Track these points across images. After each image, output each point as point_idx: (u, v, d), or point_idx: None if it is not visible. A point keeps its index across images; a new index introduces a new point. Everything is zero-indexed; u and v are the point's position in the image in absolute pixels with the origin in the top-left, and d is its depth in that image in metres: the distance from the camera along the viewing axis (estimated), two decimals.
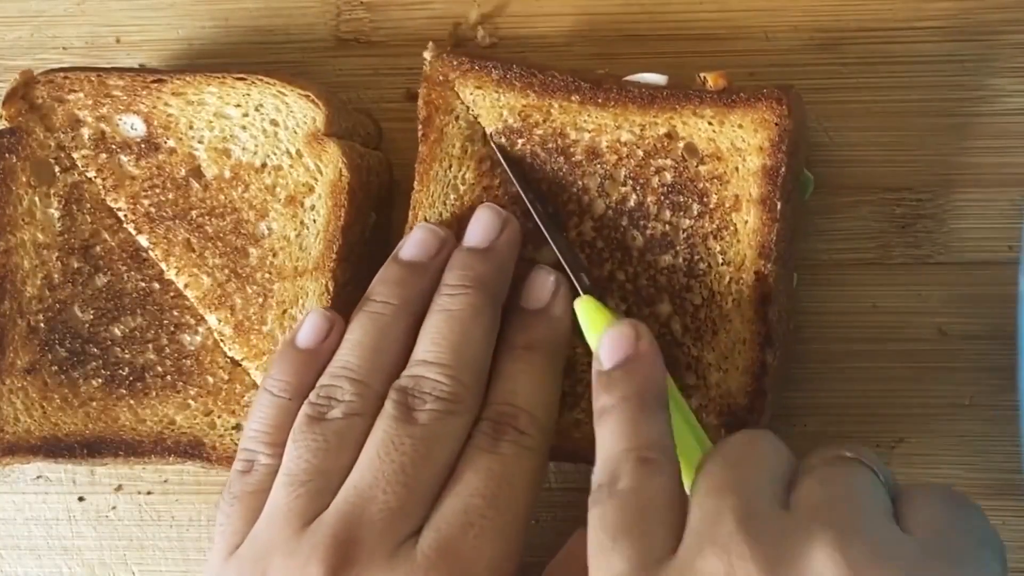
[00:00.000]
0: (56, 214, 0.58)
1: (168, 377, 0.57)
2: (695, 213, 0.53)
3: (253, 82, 0.56)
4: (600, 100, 0.54)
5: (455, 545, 0.48)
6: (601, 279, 0.54)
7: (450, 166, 0.55)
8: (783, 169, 0.52)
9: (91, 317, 0.57)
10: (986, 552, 0.43)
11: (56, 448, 0.57)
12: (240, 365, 0.56)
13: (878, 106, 0.57)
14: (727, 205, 0.53)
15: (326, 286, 0.55)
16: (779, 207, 0.52)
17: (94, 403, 0.57)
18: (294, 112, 0.56)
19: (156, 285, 0.57)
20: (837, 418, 0.57)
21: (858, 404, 0.57)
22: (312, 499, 0.49)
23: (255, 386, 0.56)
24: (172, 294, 0.57)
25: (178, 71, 0.58)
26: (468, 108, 0.55)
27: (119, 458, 0.57)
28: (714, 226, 0.53)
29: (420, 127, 0.55)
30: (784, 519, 0.43)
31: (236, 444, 0.56)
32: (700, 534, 0.43)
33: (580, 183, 0.54)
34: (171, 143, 0.57)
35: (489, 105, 0.55)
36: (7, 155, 0.58)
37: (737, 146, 0.53)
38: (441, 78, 0.55)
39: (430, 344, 0.51)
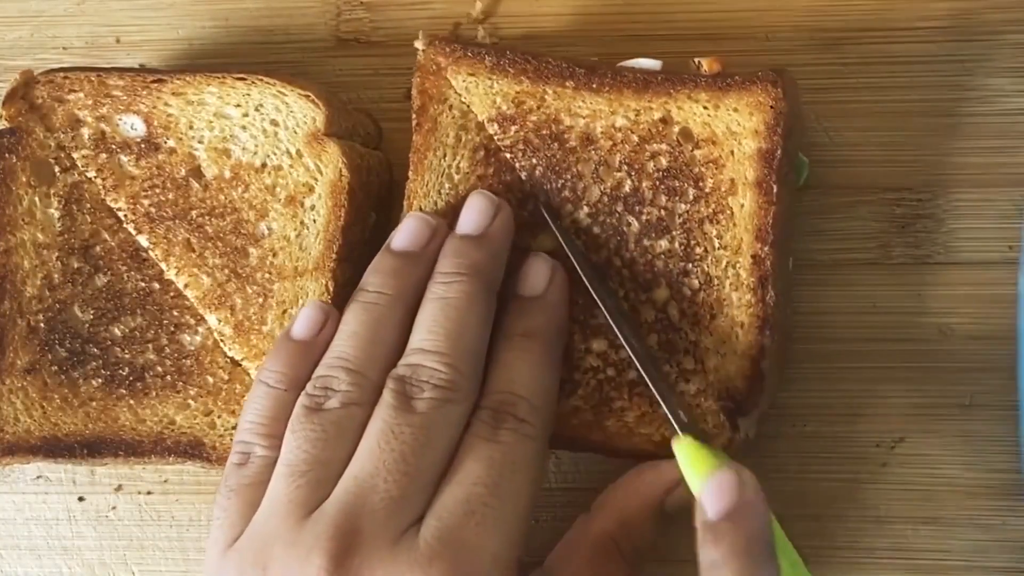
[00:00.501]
0: (56, 214, 0.58)
1: (168, 377, 0.57)
2: (691, 198, 0.53)
3: (253, 82, 0.56)
4: (595, 86, 0.54)
5: (458, 534, 0.48)
6: (598, 265, 0.54)
7: (444, 155, 0.55)
8: (779, 152, 0.52)
9: (91, 317, 0.57)
10: None
11: (56, 448, 0.57)
12: (240, 365, 0.56)
13: (878, 106, 0.57)
14: (723, 189, 0.53)
15: (326, 286, 0.55)
16: (775, 190, 0.52)
17: (94, 403, 0.57)
18: (294, 112, 0.56)
19: (156, 285, 0.57)
20: (837, 418, 0.57)
21: (858, 404, 0.57)
22: (312, 489, 0.49)
23: None
24: (172, 294, 0.57)
25: (178, 71, 0.58)
26: (461, 96, 0.55)
27: (119, 458, 0.57)
28: (710, 210, 0.53)
29: (414, 116, 0.55)
30: None
31: None
32: None
33: (575, 169, 0.54)
34: (171, 143, 0.57)
35: (482, 92, 0.55)
36: (7, 155, 0.58)
37: (732, 130, 0.53)
38: (434, 67, 0.55)
39: (426, 332, 0.51)
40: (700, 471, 0.49)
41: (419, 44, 0.55)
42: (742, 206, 0.53)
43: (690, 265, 0.53)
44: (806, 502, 0.57)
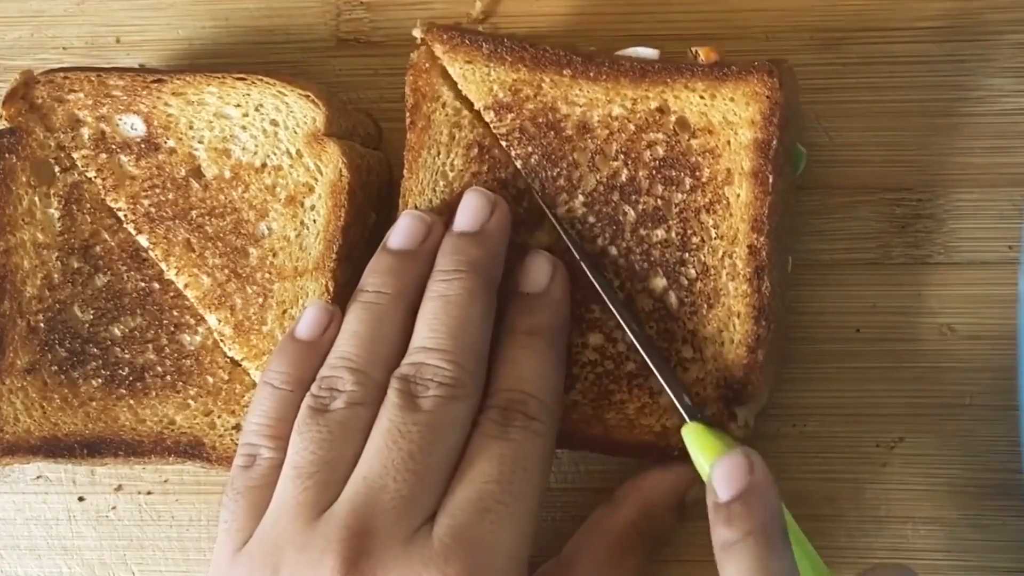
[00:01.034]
0: (56, 214, 0.58)
1: (168, 377, 0.57)
2: (687, 187, 0.53)
3: (253, 82, 0.56)
4: (592, 74, 0.54)
5: (471, 532, 0.48)
6: (593, 254, 0.54)
7: (438, 153, 0.55)
8: (775, 142, 0.52)
9: (91, 317, 0.57)
10: None
11: (56, 448, 0.57)
12: (240, 365, 0.56)
13: (878, 106, 0.57)
14: (719, 179, 0.53)
15: (326, 286, 0.55)
16: (771, 180, 0.52)
17: (94, 403, 0.57)
18: (294, 112, 0.56)
19: (156, 285, 0.57)
20: (837, 418, 0.57)
21: (858, 404, 0.57)
22: (321, 491, 0.49)
23: (255, 386, 0.56)
24: (172, 294, 0.57)
25: (178, 71, 0.58)
26: (457, 87, 0.55)
27: (119, 458, 0.57)
28: (707, 200, 0.53)
29: (408, 115, 0.55)
30: None
31: (236, 444, 0.55)
32: None
33: (571, 158, 0.54)
34: (171, 143, 0.57)
35: (479, 79, 0.55)
36: (7, 155, 0.58)
37: (729, 119, 0.53)
38: (427, 64, 0.55)
39: (428, 331, 0.51)
40: (710, 454, 0.49)
41: (417, 32, 0.55)
42: (738, 196, 0.53)
43: (687, 255, 0.53)
44: (806, 502, 0.57)
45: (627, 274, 0.54)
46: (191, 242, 0.57)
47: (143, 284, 0.57)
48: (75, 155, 0.58)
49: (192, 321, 0.57)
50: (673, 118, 0.54)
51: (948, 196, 0.57)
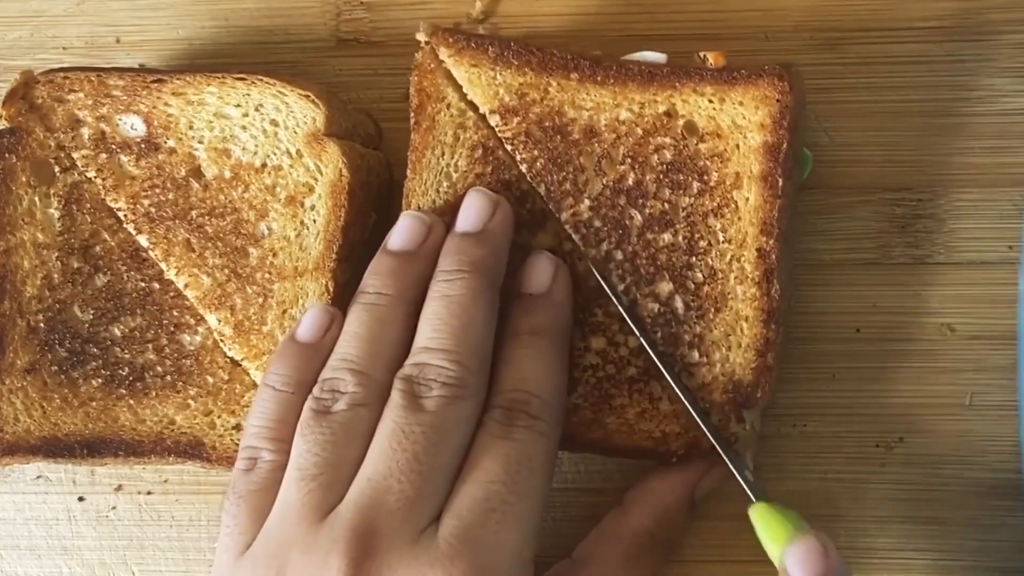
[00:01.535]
0: (56, 214, 0.58)
1: (168, 377, 0.57)
2: (695, 191, 0.53)
3: (253, 82, 0.56)
4: (599, 78, 0.54)
5: (478, 532, 0.48)
6: (599, 259, 0.54)
7: (442, 154, 0.55)
8: (784, 146, 0.52)
9: (91, 317, 0.57)
10: None
11: (56, 448, 0.57)
12: (240, 365, 0.56)
13: (878, 106, 0.57)
14: (728, 183, 0.53)
15: (326, 286, 0.55)
16: (780, 184, 0.52)
17: (94, 403, 0.57)
18: (294, 112, 0.56)
19: (156, 285, 0.57)
20: (837, 418, 0.57)
21: (858, 404, 0.57)
22: (325, 493, 0.49)
23: (255, 386, 0.56)
24: (172, 294, 0.57)
25: (178, 71, 0.58)
26: (462, 89, 0.55)
27: (119, 458, 0.57)
28: (715, 204, 0.53)
29: (412, 115, 0.55)
30: None
31: (236, 444, 0.55)
32: None
33: (577, 162, 0.54)
34: (171, 143, 0.57)
35: (485, 83, 0.55)
36: (7, 155, 0.58)
37: (738, 123, 0.53)
38: (432, 65, 0.55)
39: (431, 331, 0.51)
40: (780, 537, 0.49)
41: (421, 36, 0.55)
42: (747, 200, 0.53)
43: (694, 259, 0.53)
44: (806, 502, 0.57)
45: (632, 278, 0.54)
46: (191, 242, 0.57)
47: (143, 284, 0.57)
48: (75, 155, 0.58)
49: (192, 321, 0.57)
50: (681, 122, 0.54)
51: (948, 196, 0.57)
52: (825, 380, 0.57)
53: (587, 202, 0.54)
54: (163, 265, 0.57)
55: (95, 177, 0.58)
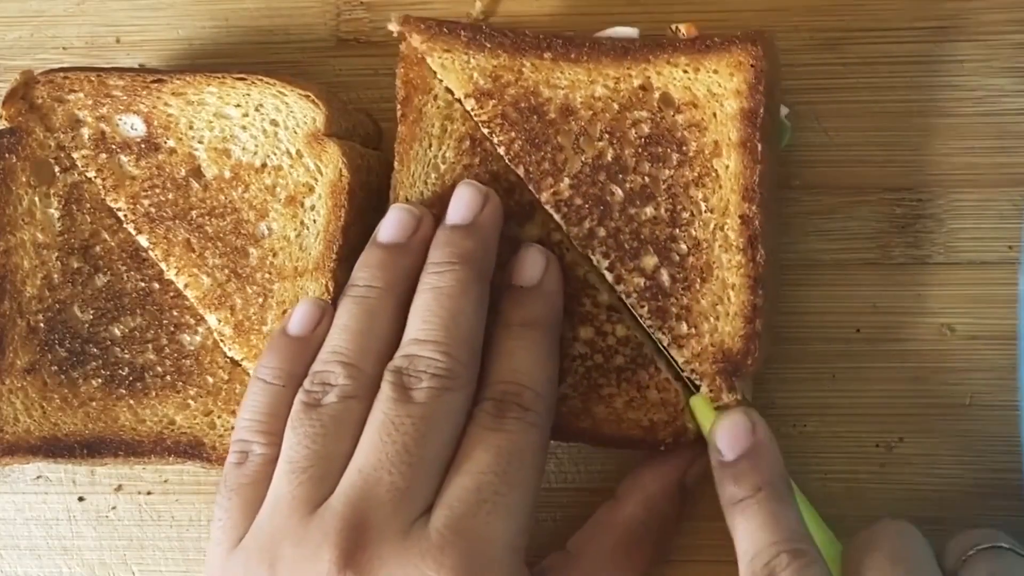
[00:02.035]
0: (56, 214, 0.58)
1: (168, 377, 0.57)
2: (675, 163, 0.53)
3: (253, 82, 0.56)
4: (573, 56, 0.54)
5: (469, 523, 0.48)
6: (581, 236, 0.54)
7: (430, 145, 0.55)
8: (761, 110, 0.52)
9: (91, 317, 0.57)
10: None
11: (56, 448, 0.57)
12: (240, 365, 0.56)
13: (878, 106, 0.57)
14: (707, 152, 0.53)
15: (326, 286, 0.55)
16: (760, 149, 0.52)
17: (94, 403, 0.57)
18: (294, 112, 0.56)
19: (156, 285, 0.57)
20: (837, 418, 0.57)
21: (858, 404, 0.57)
22: (316, 485, 0.49)
23: None
24: (172, 294, 0.57)
25: (178, 71, 0.58)
26: (440, 77, 0.55)
27: (119, 458, 0.57)
28: (695, 174, 0.53)
29: (399, 107, 0.55)
30: None
31: None
32: None
33: (555, 141, 0.54)
34: (171, 143, 0.57)
35: (459, 68, 0.55)
36: (7, 155, 0.58)
37: (713, 92, 0.53)
38: (418, 57, 0.55)
39: (421, 323, 0.51)
40: (710, 418, 0.51)
41: (392, 26, 0.55)
42: (727, 167, 0.53)
43: (677, 230, 0.53)
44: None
45: (616, 254, 0.54)
46: (191, 242, 0.57)
47: (143, 284, 0.57)
48: (75, 155, 0.58)
49: (192, 321, 0.57)
50: (657, 95, 0.54)
51: (948, 196, 0.57)
52: (825, 380, 0.57)
53: (567, 181, 0.54)
54: (163, 265, 0.57)
55: (95, 177, 0.58)
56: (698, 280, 0.53)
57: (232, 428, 0.56)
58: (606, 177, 0.54)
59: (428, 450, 0.49)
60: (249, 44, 0.61)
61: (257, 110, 0.56)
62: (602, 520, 0.54)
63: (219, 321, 0.56)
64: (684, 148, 0.53)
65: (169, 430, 0.56)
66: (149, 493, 0.61)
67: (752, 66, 0.53)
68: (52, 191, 0.58)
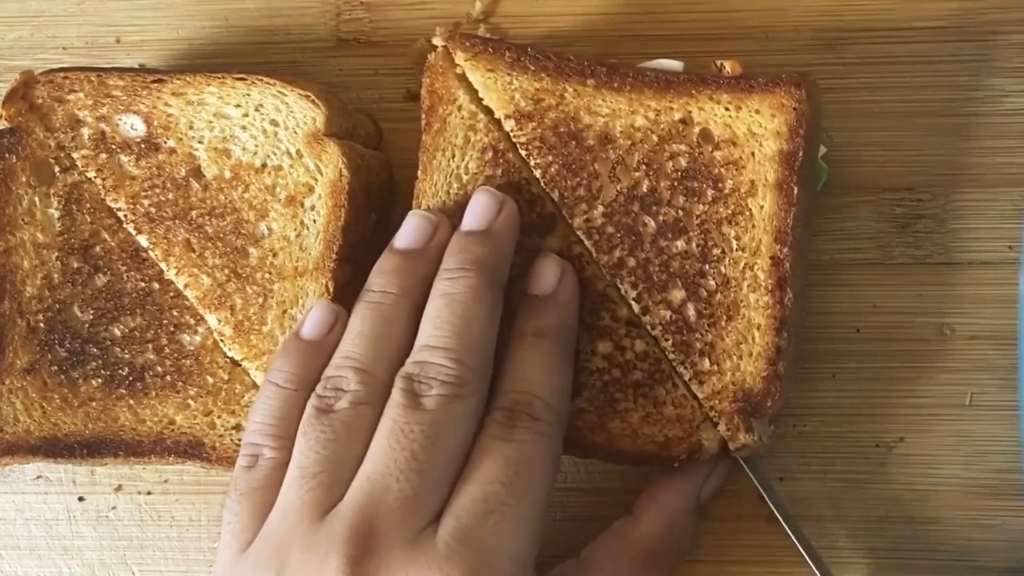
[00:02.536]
0: (56, 214, 0.58)
1: (168, 377, 0.57)
2: (709, 199, 0.53)
3: (253, 82, 0.56)
4: (616, 85, 0.54)
5: (476, 533, 0.48)
6: (611, 264, 0.54)
7: (453, 156, 0.55)
8: (800, 153, 0.52)
9: (91, 317, 0.57)
10: None
11: (56, 448, 0.57)
12: (240, 365, 0.56)
13: (878, 106, 0.57)
14: (742, 191, 0.53)
15: (326, 286, 0.55)
16: (796, 192, 0.52)
17: (94, 403, 0.57)
18: (294, 112, 0.56)
19: (156, 285, 0.57)
20: (837, 418, 0.57)
21: (858, 404, 0.57)
22: (326, 491, 0.49)
23: (255, 386, 0.56)
24: (172, 294, 0.57)
25: (178, 71, 0.58)
26: (476, 93, 0.55)
27: (119, 458, 0.57)
28: (729, 211, 0.53)
29: (423, 116, 0.55)
30: None
31: (236, 444, 0.56)
32: None
33: (591, 168, 0.54)
34: (171, 143, 0.57)
35: (501, 88, 0.55)
36: (7, 155, 0.58)
37: (754, 131, 0.53)
38: (444, 67, 0.55)
39: (433, 329, 0.51)
40: None
41: (437, 40, 0.55)
42: (761, 207, 0.53)
43: (707, 266, 0.53)
44: (806, 502, 0.57)
45: (644, 285, 0.54)
46: (191, 242, 0.57)
47: (143, 284, 0.57)
48: (75, 155, 0.58)
49: (192, 321, 0.57)
50: (696, 129, 0.54)
51: (948, 196, 0.57)
52: (825, 380, 0.57)
53: (601, 208, 0.54)
54: (163, 265, 0.57)
55: (95, 177, 0.58)
56: (724, 317, 0.53)
57: (232, 428, 0.56)
58: (640, 208, 0.54)
59: (437, 457, 0.49)
60: (249, 44, 0.61)
61: (257, 110, 0.56)
62: (619, 534, 0.54)
63: (219, 321, 0.56)
64: (720, 185, 0.53)
65: (169, 430, 0.56)
66: (149, 493, 0.61)
67: (794, 109, 0.52)
68: (52, 191, 0.58)
